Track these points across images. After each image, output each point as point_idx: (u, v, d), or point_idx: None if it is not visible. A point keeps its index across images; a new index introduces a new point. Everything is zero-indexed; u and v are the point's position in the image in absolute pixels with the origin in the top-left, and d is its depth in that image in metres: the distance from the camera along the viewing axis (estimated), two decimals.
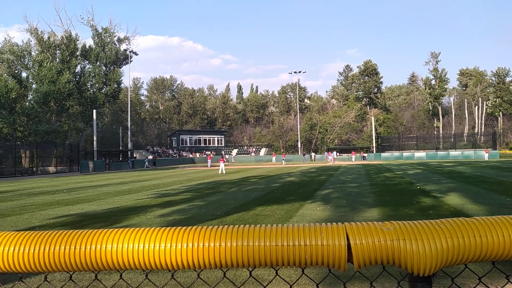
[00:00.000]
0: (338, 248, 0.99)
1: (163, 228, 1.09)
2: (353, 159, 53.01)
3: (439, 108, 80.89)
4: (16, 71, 53.55)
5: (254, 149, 74.76)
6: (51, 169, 45.51)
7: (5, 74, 50.80)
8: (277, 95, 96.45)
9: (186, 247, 1.04)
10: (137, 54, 62.13)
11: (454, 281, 1.11)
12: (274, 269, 1.05)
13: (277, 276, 3.99)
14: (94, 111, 49.99)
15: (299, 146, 71.88)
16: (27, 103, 52.67)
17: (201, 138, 76.58)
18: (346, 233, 1.01)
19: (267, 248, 1.01)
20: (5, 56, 53.02)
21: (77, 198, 14.35)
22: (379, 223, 1.03)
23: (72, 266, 1.08)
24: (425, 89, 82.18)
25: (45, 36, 54.33)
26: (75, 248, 1.07)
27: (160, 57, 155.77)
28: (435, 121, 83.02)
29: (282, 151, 74.24)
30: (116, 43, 61.85)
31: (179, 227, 1.09)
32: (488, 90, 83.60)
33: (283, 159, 51.10)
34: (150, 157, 59.65)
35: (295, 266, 1.02)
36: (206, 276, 4.63)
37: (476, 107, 79.87)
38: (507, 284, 1.20)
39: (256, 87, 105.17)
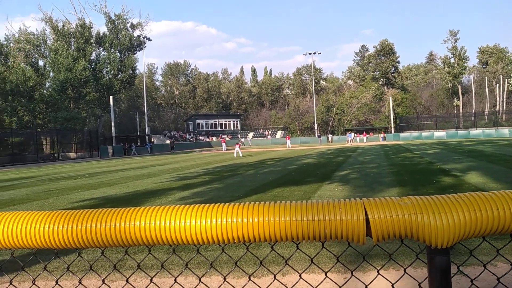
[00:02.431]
0: (357, 223, 1.02)
1: (188, 205, 1.14)
2: (364, 140, 52.20)
3: (459, 86, 78.98)
4: (33, 60, 54.39)
5: (270, 132, 74.74)
6: (72, 154, 46.55)
7: (22, 63, 51.65)
8: (292, 77, 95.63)
9: (210, 223, 1.08)
10: (150, 40, 62.31)
11: (472, 254, 1.13)
12: (295, 243, 1.09)
13: (298, 253, 4.06)
14: (111, 97, 50.60)
15: (316, 128, 71.50)
16: (45, 91, 53.61)
17: (217, 122, 76.90)
18: (365, 208, 1.04)
19: (288, 223, 1.05)
20: (21, 45, 53.82)
21: (98, 183, 14.69)
22: (396, 198, 1.06)
23: (104, 242, 1.14)
24: (444, 67, 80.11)
25: (60, 25, 54.86)
26: (105, 226, 1.13)
27: (174, 42, 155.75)
28: (455, 100, 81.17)
29: (287, 133, 73.32)
30: (130, 29, 62.07)
31: (203, 205, 1.14)
32: (509, 68, 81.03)
33: (287, 141, 49.47)
34: (168, 141, 60.33)
35: (315, 240, 1.06)
36: (229, 252, 4.73)
37: (497, 85, 77.62)
38: None
39: (270, 69, 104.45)
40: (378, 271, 1.14)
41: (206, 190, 11.17)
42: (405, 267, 1.15)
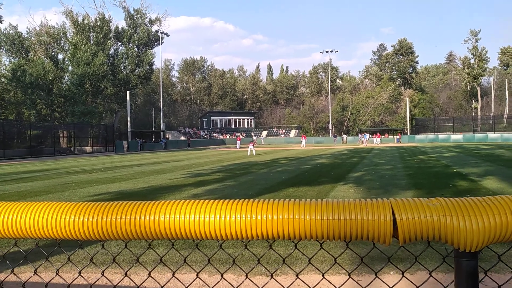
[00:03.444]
0: (384, 223, 1.01)
1: (212, 200, 1.14)
2: (377, 142, 51.42)
3: (478, 88, 77.48)
4: (52, 54, 55.28)
5: (283, 131, 74.59)
6: (88, 148, 47.22)
7: (42, 57, 52.54)
8: (308, 75, 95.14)
9: (234, 218, 1.08)
10: (168, 35, 62.75)
11: (500, 258, 1.11)
12: (319, 242, 1.08)
13: (320, 252, 4.04)
14: (128, 92, 51.12)
15: (330, 127, 71.04)
16: (64, 85, 54.45)
17: (231, 120, 77.06)
18: (392, 209, 1.02)
19: (313, 221, 1.04)
20: (42, 39, 54.75)
21: (113, 177, 14.87)
22: (425, 199, 1.04)
23: (128, 235, 1.15)
24: (463, 68, 78.71)
25: (80, 19, 55.60)
26: (130, 218, 1.14)
27: (191, 38, 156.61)
28: (473, 102, 79.73)
29: (301, 132, 72.83)
30: (148, 24, 62.59)
31: (227, 200, 1.14)
32: None
33: (302, 140, 48.38)
34: (183, 138, 60.72)
35: (340, 239, 1.05)
36: (254, 250, 4.74)
37: None
38: None
39: (287, 67, 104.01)
40: (403, 274, 1.13)
41: (219, 187, 11.21)
42: (430, 270, 1.13)
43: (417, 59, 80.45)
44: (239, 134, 67.26)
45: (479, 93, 77.74)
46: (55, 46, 55.62)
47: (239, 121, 77.85)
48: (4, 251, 4.71)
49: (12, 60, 53.91)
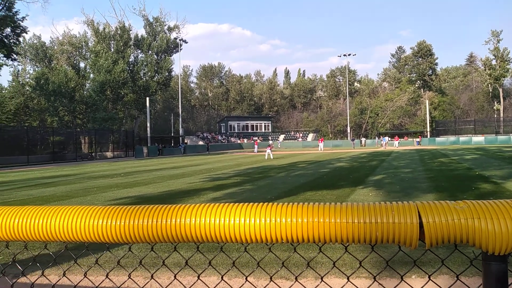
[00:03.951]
0: (410, 226, 1.00)
1: (236, 204, 1.15)
2: (396, 145, 50.31)
3: (500, 90, 75.68)
4: (74, 62, 56.62)
5: (301, 135, 74.32)
6: (109, 154, 48.02)
7: (64, 65, 53.86)
8: (325, 79, 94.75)
9: (259, 222, 1.09)
10: (186, 42, 63.42)
11: None
12: (343, 245, 1.08)
13: (342, 256, 4.01)
14: (147, 98, 51.86)
15: (349, 131, 70.45)
16: (85, 92, 55.65)
17: (249, 124, 77.26)
18: (418, 212, 1.01)
19: (338, 224, 1.04)
20: (64, 48, 56.14)
21: (134, 182, 15.08)
22: (451, 202, 1.03)
23: (154, 238, 1.17)
24: (485, 70, 76.98)
25: (101, 27, 56.82)
26: (156, 222, 1.16)
27: (209, 45, 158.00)
28: (495, 103, 77.88)
29: (319, 136, 72.01)
30: (167, 31, 63.47)
31: (250, 203, 1.14)
32: None
33: (319, 144, 46.87)
34: (201, 142, 61.16)
35: (365, 243, 1.04)
36: (271, 254, 4.74)
37: None
38: None
39: (304, 71, 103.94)
40: (429, 277, 1.11)
41: (238, 191, 11.23)
42: (457, 274, 1.11)
43: (436, 61, 79.28)
44: (256, 138, 67.35)
45: (501, 94, 75.94)
46: (77, 55, 56.96)
47: (257, 126, 77.97)
48: (34, 253, 4.82)
49: (36, 69, 55.44)
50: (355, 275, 3.80)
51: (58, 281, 1.50)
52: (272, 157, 30.18)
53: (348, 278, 1.11)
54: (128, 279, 1.35)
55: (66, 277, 1.41)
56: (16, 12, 36.82)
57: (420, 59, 78.24)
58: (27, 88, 54.44)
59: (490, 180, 11.75)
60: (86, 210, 1.26)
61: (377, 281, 1.16)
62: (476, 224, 0.98)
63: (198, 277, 1.31)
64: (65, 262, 4.57)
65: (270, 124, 79.62)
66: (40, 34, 57.22)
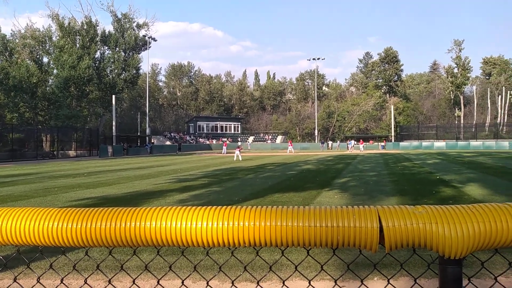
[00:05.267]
0: (371, 230, 1.01)
1: (199, 207, 1.12)
2: (361, 148, 51.42)
3: (461, 97, 79.08)
4: (37, 56, 54.49)
5: (270, 137, 74.74)
6: (71, 153, 46.51)
7: (26, 59, 51.75)
8: (295, 82, 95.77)
9: (221, 225, 1.07)
10: (155, 40, 62.43)
11: (483, 265, 1.12)
12: (305, 249, 1.08)
13: (308, 258, 4.04)
14: (113, 96, 50.65)
15: (316, 134, 71.47)
16: (48, 88, 53.65)
17: (218, 125, 76.92)
18: (379, 216, 1.03)
19: (300, 228, 1.04)
20: (27, 41, 53.96)
21: (97, 182, 14.67)
22: (411, 207, 1.05)
23: (113, 242, 1.13)
24: (447, 77, 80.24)
25: (66, 22, 54.99)
26: (115, 225, 1.12)
27: (180, 43, 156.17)
28: (456, 110, 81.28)
29: (288, 138, 72.88)
30: (135, 29, 62.23)
31: (214, 207, 1.13)
32: None
33: (289, 146, 48.37)
34: (168, 142, 60.30)
35: (327, 246, 1.05)
36: (237, 257, 4.72)
37: (499, 96, 77.69)
38: None
39: (274, 74, 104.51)
40: (388, 281, 1.13)
41: (205, 193, 11.15)
42: (415, 277, 1.14)
43: (402, 67, 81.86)
44: (225, 139, 67.12)
45: (462, 101, 79.34)
46: (40, 49, 54.83)
47: (226, 127, 77.75)
48: None
49: None
50: (319, 277, 3.84)
51: (9, 286, 1.42)
52: (241, 159, 30.16)
53: (309, 282, 1.11)
54: (84, 284, 1.30)
55: (17, 282, 1.34)
56: None
57: (387, 65, 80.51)
58: None
59: (450, 184, 12.22)
60: (40, 212, 1.20)
61: (337, 285, 1.16)
62: (433, 229, 1.00)
63: (158, 282, 1.28)
64: (17, 266, 4.38)
65: (239, 126, 79.59)
66: None
